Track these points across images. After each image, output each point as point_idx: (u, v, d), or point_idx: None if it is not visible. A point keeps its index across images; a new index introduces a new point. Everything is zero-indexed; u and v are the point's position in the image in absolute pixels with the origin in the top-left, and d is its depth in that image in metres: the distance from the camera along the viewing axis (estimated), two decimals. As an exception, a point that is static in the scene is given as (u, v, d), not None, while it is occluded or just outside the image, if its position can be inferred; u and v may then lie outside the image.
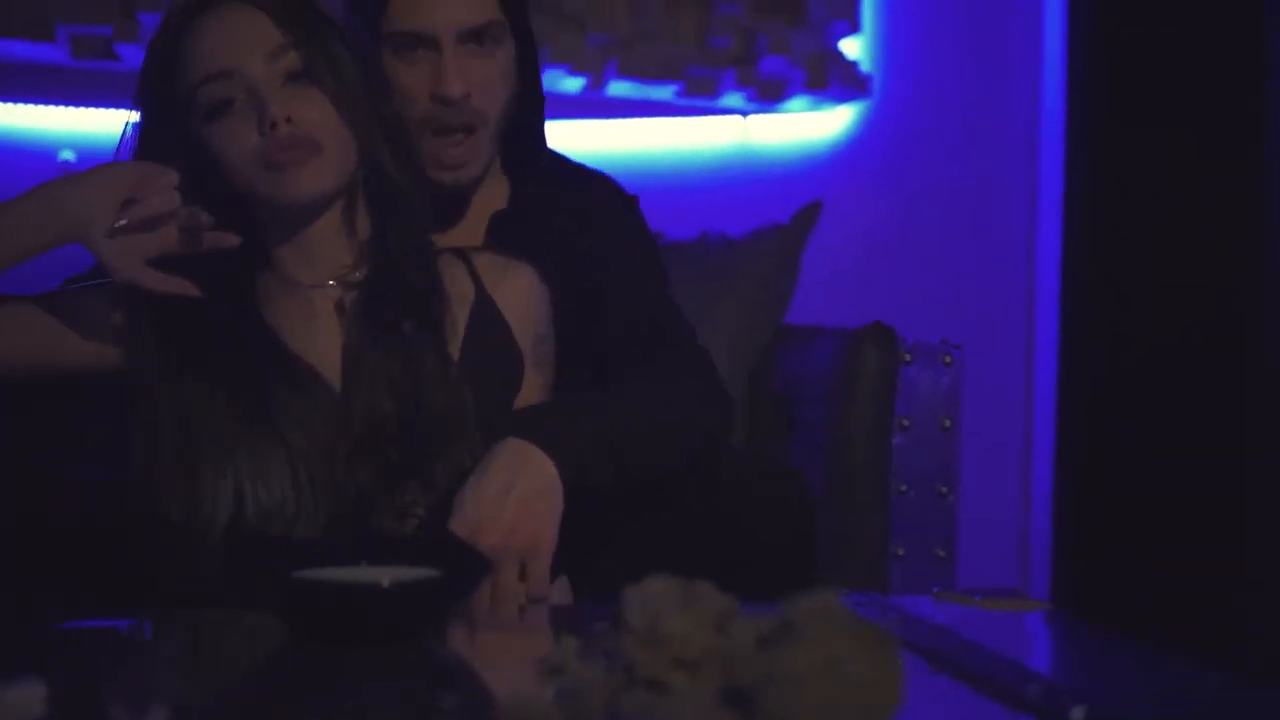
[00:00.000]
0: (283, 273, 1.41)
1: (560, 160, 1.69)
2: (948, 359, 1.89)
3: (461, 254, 1.46)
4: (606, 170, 1.76)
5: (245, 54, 1.33)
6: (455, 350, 1.40)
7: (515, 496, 1.32)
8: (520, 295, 1.45)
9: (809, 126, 2.87)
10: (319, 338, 1.38)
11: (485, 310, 1.43)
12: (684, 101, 2.73)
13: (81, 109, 2.55)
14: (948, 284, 2.90)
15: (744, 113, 2.82)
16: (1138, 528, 2.85)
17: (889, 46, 2.90)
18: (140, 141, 1.40)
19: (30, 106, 2.53)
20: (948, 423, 1.89)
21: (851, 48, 2.83)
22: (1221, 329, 2.87)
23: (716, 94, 2.72)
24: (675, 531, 1.41)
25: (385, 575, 1.13)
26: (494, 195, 1.63)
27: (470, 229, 1.61)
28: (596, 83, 2.64)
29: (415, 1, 1.50)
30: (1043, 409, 2.90)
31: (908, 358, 1.88)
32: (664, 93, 2.70)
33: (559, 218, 1.59)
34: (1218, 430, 2.83)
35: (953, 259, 2.92)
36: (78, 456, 1.47)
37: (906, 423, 1.87)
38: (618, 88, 2.67)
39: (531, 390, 1.46)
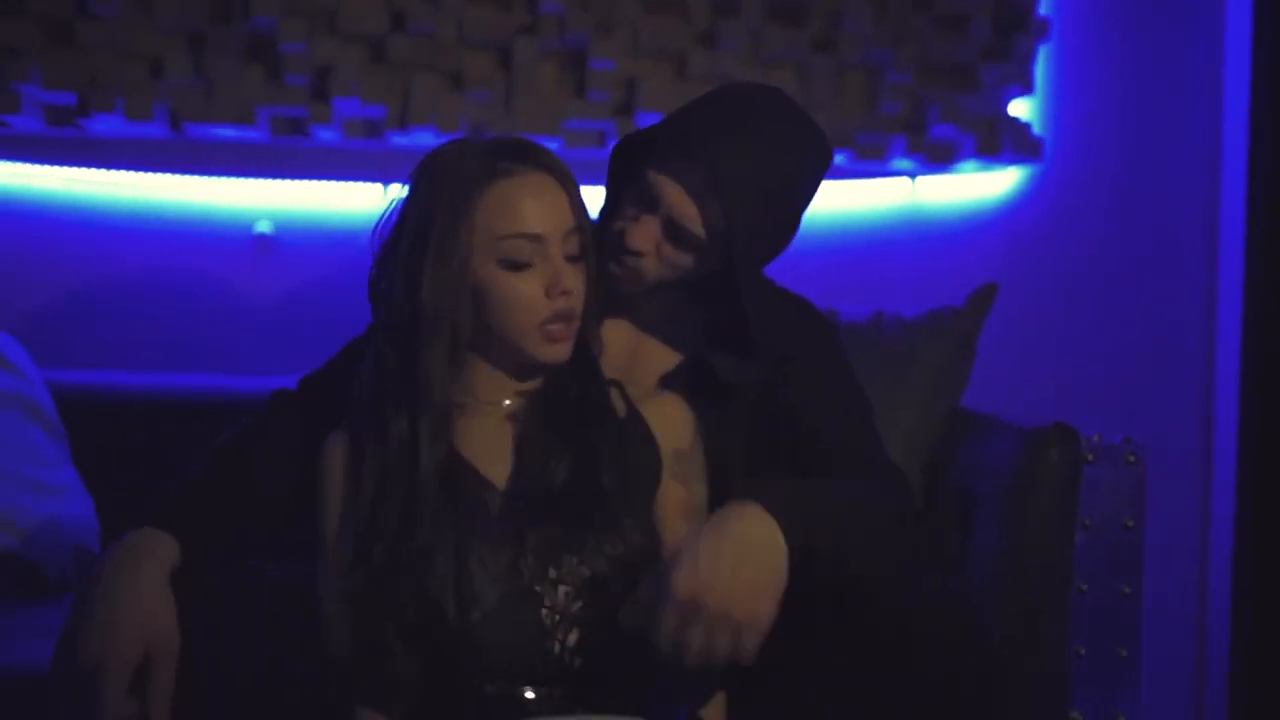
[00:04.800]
0: (470, 390, 1.53)
1: (764, 287, 1.70)
2: (1131, 458, 1.89)
3: (616, 383, 1.60)
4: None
5: (552, 225, 1.48)
6: (608, 450, 1.52)
7: (747, 571, 1.34)
8: (664, 415, 1.57)
9: (977, 187, 2.87)
10: (491, 443, 1.52)
11: (633, 422, 1.56)
12: (853, 165, 2.76)
13: (275, 181, 2.67)
14: (1120, 369, 2.88)
15: (912, 174, 2.84)
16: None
17: (1061, 107, 2.88)
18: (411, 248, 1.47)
19: (228, 179, 2.66)
20: (1130, 522, 1.90)
21: (1022, 110, 2.83)
22: None
23: (885, 159, 2.74)
24: (846, 661, 1.44)
25: None
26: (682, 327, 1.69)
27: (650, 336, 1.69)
28: (767, 151, 2.66)
29: (665, 184, 1.56)
30: (1220, 505, 2.83)
31: (1090, 458, 1.89)
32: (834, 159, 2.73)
33: (754, 357, 1.62)
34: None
35: (1125, 342, 2.89)
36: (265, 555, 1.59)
37: (1088, 522, 1.88)
38: (788, 156, 2.69)
39: (675, 502, 1.55)
